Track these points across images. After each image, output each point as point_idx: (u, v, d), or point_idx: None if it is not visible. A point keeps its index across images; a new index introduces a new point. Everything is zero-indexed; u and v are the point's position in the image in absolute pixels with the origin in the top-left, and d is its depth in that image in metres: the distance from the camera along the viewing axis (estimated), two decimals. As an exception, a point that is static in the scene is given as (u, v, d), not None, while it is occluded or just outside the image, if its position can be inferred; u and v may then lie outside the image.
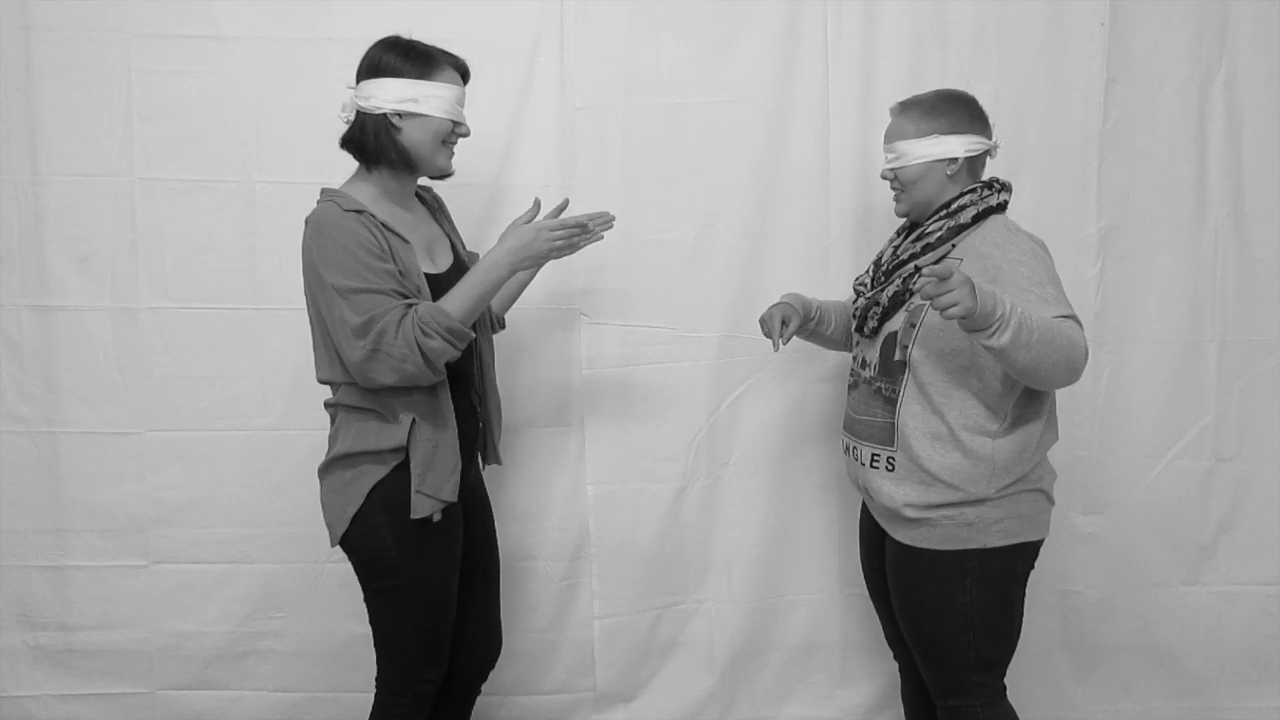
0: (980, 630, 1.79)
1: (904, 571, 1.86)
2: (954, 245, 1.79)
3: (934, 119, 1.83)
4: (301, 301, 1.81)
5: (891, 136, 1.88)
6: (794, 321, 1.99)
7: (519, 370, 2.40)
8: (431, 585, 1.81)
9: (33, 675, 2.47)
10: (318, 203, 1.77)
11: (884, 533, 1.92)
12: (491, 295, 1.72)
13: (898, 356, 1.81)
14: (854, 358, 1.97)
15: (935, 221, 1.81)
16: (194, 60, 2.31)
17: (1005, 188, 1.85)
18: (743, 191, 2.40)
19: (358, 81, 1.78)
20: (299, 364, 2.35)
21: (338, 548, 1.81)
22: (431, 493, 1.74)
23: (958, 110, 1.84)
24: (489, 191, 2.36)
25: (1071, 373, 1.63)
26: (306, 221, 1.74)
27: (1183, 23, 2.38)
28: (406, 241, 1.76)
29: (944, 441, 1.76)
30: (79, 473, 2.40)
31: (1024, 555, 1.82)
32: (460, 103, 1.80)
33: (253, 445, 2.41)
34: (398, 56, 1.75)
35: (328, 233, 1.68)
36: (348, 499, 1.76)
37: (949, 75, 2.34)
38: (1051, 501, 1.85)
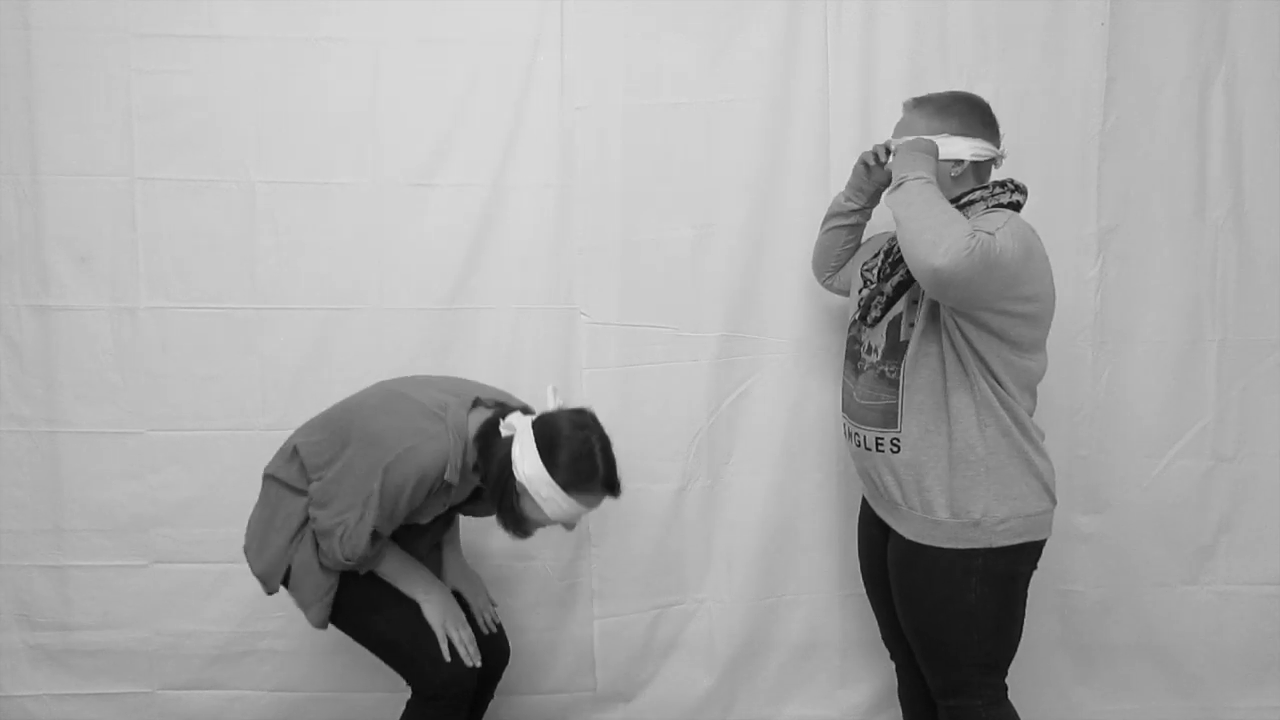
0: (985, 630, 1.79)
1: (908, 570, 1.86)
2: None
3: (946, 118, 1.83)
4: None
5: (901, 131, 1.88)
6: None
7: (519, 370, 2.40)
8: (391, 591, 1.88)
9: (33, 675, 2.47)
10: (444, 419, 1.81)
11: (885, 532, 1.92)
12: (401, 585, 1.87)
13: (903, 337, 1.81)
14: (857, 341, 1.96)
15: None
16: (194, 60, 2.31)
17: (1020, 189, 1.84)
18: (743, 191, 2.40)
19: None
20: (299, 364, 2.36)
21: None
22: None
23: (971, 114, 1.84)
24: (489, 191, 2.36)
25: (932, 247, 1.59)
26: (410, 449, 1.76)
27: (1183, 23, 2.38)
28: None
29: (945, 415, 1.76)
30: (79, 473, 2.40)
31: (1028, 555, 1.82)
32: (584, 512, 1.82)
33: (253, 445, 2.39)
34: (583, 472, 1.78)
35: (401, 463, 1.74)
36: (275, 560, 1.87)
37: (949, 75, 2.35)
38: (1054, 500, 1.85)
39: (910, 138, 1.81)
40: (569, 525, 1.82)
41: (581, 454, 1.75)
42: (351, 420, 1.82)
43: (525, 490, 1.74)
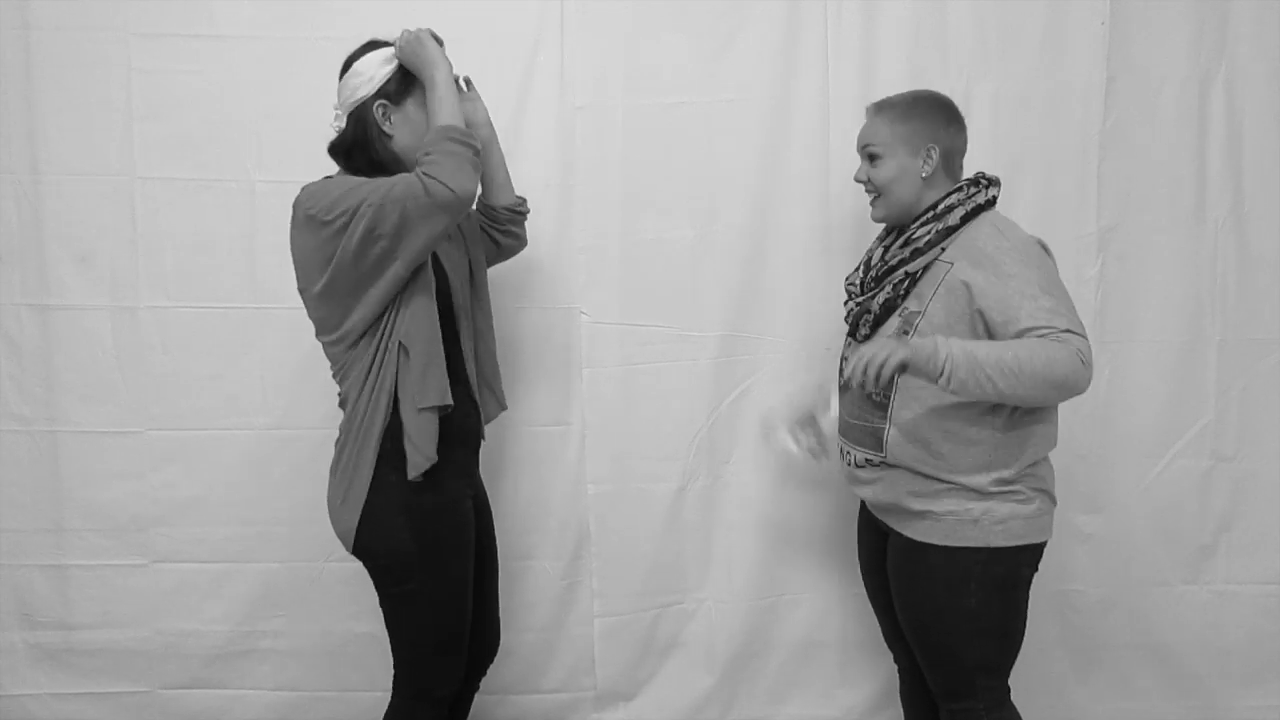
0: (986, 633, 1.78)
1: (907, 573, 1.85)
2: (943, 249, 1.75)
3: (908, 122, 1.81)
4: (301, 300, 1.81)
5: (866, 136, 1.86)
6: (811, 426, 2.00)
7: (519, 369, 2.40)
8: (450, 585, 1.81)
9: (33, 674, 2.47)
10: (303, 190, 1.75)
11: (884, 535, 1.92)
12: (451, 95, 1.72)
13: None
14: (845, 359, 1.95)
15: (922, 225, 1.78)
16: (194, 60, 2.31)
17: (993, 183, 1.81)
18: (743, 191, 2.40)
19: (340, 88, 1.79)
20: (299, 364, 2.36)
21: (341, 547, 1.80)
22: (437, 401, 1.71)
23: (934, 113, 1.82)
24: (489, 191, 2.36)
25: (1061, 390, 1.58)
26: (296, 203, 1.73)
27: (1183, 22, 2.38)
28: None
29: (935, 443, 1.75)
30: (79, 472, 2.40)
31: (1028, 557, 1.80)
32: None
33: (253, 445, 2.41)
34: (370, 47, 1.80)
35: (327, 184, 1.71)
36: (355, 501, 1.74)
37: (949, 75, 2.35)
38: (1054, 502, 1.84)
39: (872, 345, 1.63)
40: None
41: (373, 44, 1.79)
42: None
43: (391, 120, 1.75)
